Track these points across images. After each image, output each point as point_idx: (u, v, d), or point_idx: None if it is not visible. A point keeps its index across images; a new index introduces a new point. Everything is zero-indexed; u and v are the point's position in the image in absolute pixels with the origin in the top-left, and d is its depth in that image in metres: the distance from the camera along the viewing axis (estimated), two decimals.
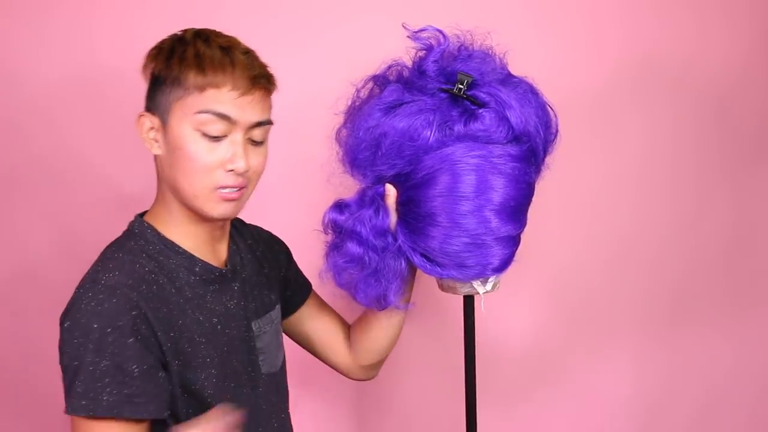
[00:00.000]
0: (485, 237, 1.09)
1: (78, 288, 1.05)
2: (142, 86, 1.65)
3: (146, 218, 1.12)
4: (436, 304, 1.70)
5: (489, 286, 1.20)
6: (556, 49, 1.72)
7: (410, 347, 1.87)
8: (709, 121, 1.82)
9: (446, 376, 1.87)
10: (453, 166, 1.07)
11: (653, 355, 1.96)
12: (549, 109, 1.15)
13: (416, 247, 1.12)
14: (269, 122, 1.08)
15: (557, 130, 1.17)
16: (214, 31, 1.08)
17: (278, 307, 1.26)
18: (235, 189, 1.05)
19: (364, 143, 1.09)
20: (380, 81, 1.13)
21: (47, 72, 1.62)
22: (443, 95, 1.07)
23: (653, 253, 1.88)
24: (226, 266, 1.15)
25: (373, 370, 1.38)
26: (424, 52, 1.10)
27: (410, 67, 1.12)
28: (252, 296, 1.19)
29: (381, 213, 1.12)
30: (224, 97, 1.02)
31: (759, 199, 1.90)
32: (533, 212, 1.16)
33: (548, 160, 1.17)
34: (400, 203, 1.12)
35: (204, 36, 1.06)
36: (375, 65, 1.13)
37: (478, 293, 1.20)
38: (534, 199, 1.16)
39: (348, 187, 1.19)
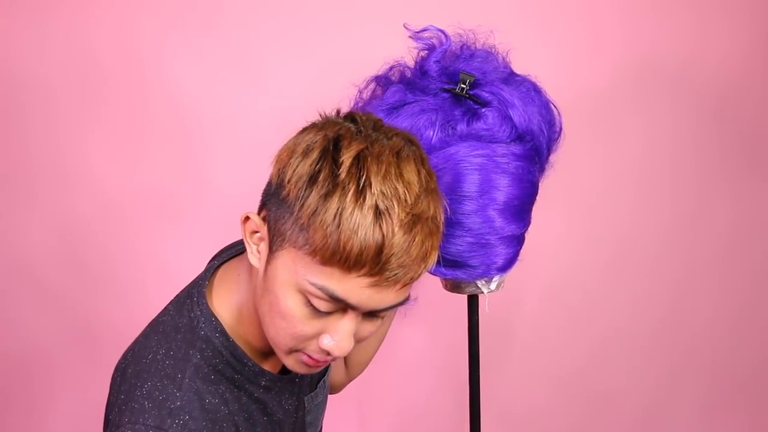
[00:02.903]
0: (489, 236, 1.08)
1: (125, 407, 0.84)
2: (141, 86, 1.65)
3: (214, 305, 0.90)
4: (439, 303, 1.70)
5: (493, 286, 1.19)
6: (556, 49, 1.71)
7: (414, 347, 1.87)
8: (708, 120, 1.82)
9: (449, 375, 1.87)
10: (456, 166, 1.06)
11: (654, 354, 1.95)
12: (552, 107, 1.15)
13: None
14: (405, 302, 0.82)
15: (561, 129, 1.16)
16: (385, 151, 0.78)
17: (330, 365, 1.13)
18: (323, 362, 0.85)
19: None
20: (382, 82, 1.12)
21: (47, 72, 1.62)
22: (446, 95, 1.07)
23: (653, 253, 1.88)
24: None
25: (348, 383, 1.32)
26: (425, 52, 1.10)
27: (412, 67, 1.12)
28: None
29: None
30: (349, 281, 0.76)
31: (759, 199, 1.89)
32: (535, 212, 1.15)
33: (552, 158, 1.16)
34: None
35: (366, 168, 0.76)
36: (377, 66, 1.12)
37: (483, 293, 1.20)
38: (537, 199, 1.15)
39: None
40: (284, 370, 0.98)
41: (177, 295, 0.95)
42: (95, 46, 1.61)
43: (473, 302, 1.29)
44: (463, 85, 1.05)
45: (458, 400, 1.81)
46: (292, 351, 0.84)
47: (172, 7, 1.60)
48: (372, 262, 0.75)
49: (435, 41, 1.09)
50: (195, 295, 0.91)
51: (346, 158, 0.76)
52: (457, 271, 1.11)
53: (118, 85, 1.63)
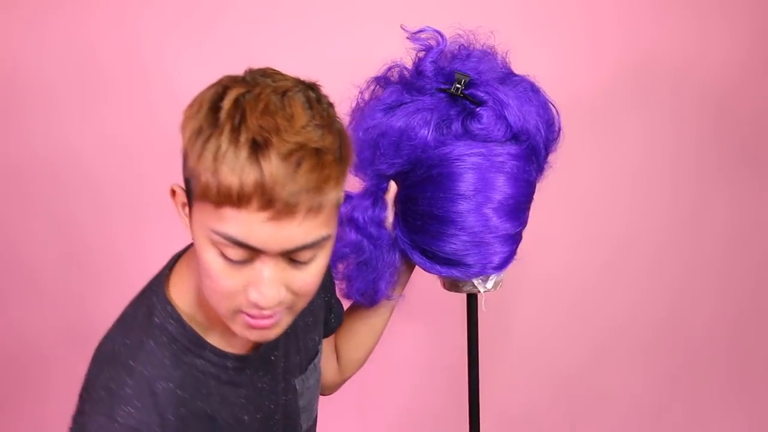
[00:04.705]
0: (485, 235, 1.08)
1: (87, 396, 0.86)
2: (142, 86, 1.65)
3: (171, 292, 0.91)
4: (438, 302, 1.70)
5: (490, 285, 1.20)
6: (556, 49, 1.71)
7: (413, 346, 1.87)
8: (708, 121, 1.82)
9: (448, 374, 1.87)
10: (451, 165, 1.06)
11: (653, 353, 1.96)
12: (551, 107, 1.15)
13: (416, 245, 1.12)
14: (321, 241, 0.79)
15: (560, 129, 1.16)
16: (266, 91, 0.78)
17: (321, 347, 1.12)
18: (265, 318, 0.82)
19: (365, 143, 1.09)
20: (382, 82, 1.13)
21: (47, 72, 1.62)
22: (442, 95, 1.07)
23: (653, 253, 1.88)
24: (260, 348, 0.96)
25: (342, 384, 1.32)
26: (423, 52, 1.10)
27: (410, 67, 1.12)
28: (297, 348, 1.03)
29: (379, 205, 1.12)
30: (245, 220, 0.74)
31: (758, 200, 1.90)
32: (534, 212, 1.16)
33: (551, 158, 1.17)
34: (400, 201, 1.13)
35: (242, 108, 0.75)
36: (378, 66, 1.13)
37: (480, 292, 1.20)
38: (535, 198, 1.15)
39: (353, 187, 1.19)
40: (254, 348, 0.97)
41: (143, 287, 0.96)
42: (95, 46, 1.61)
43: (472, 301, 1.30)
44: (458, 85, 1.05)
45: (458, 400, 1.81)
46: (233, 315, 0.83)
47: (173, 7, 1.60)
48: (257, 195, 0.73)
49: (432, 42, 1.09)
50: (155, 284, 0.92)
51: (226, 102, 0.76)
52: (452, 269, 1.11)
53: (119, 85, 1.63)
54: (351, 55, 1.52)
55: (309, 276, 0.81)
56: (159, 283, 0.92)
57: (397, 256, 1.14)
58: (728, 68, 1.79)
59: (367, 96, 1.14)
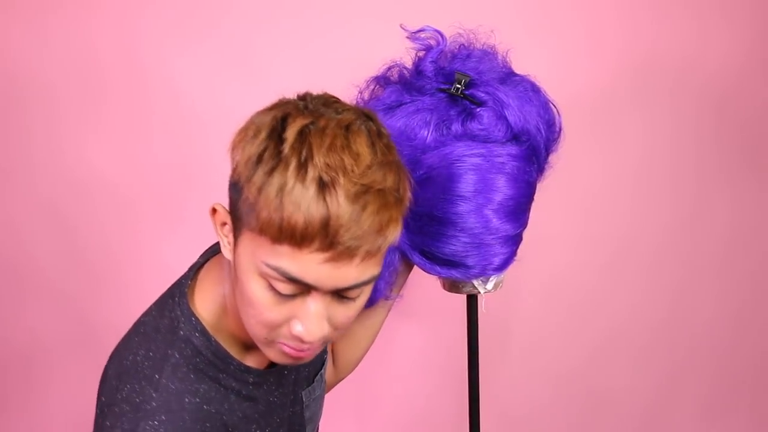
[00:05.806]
0: (485, 236, 1.08)
1: (108, 411, 0.84)
2: (142, 86, 1.65)
3: (196, 303, 0.90)
4: (438, 303, 1.70)
5: (490, 286, 1.19)
6: (556, 49, 1.71)
7: (413, 346, 1.87)
8: (708, 121, 1.82)
9: (449, 375, 1.87)
10: (451, 166, 1.06)
11: (653, 354, 1.96)
12: (552, 107, 1.14)
13: (415, 245, 1.12)
14: (372, 280, 0.79)
15: (560, 129, 1.15)
16: (331, 124, 0.76)
17: (326, 356, 1.12)
18: (304, 351, 0.83)
19: None
20: (382, 82, 1.12)
21: (47, 72, 1.62)
22: (442, 95, 1.07)
23: (653, 253, 1.88)
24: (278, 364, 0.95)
25: (336, 384, 1.31)
26: (423, 52, 1.10)
27: (410, 67, 1.12)
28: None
29: None
30: (302, 258, 0.74)
31: (758, 201, 1.90)
32: (534, 212, 1.16)
33: (552, 159, 1.16)
34: None
35: (308, 142, 0.74)
36: (378, 66, 1.12)
37: (480, 293, 1.20)
38: (535, 199, 1.15)
39: None
40: (272, 363, 0.97)
41: (161, 296, 0.95)
42: (96, 46, 1.61)
43: (472, 302, 1.30)
44: (458, 85, 1.05)
45: (458, 400, 1.81)
46: (269, 342, 0.83)
47: (174, 7, 1.60)
48: (321, 236, 0.72)
49: (432, 42, 1.09)
50: (177, 294, 0.90)
51: (290, 134, 0.74)
52: (452, 270, 1.10)
53: (119, 85, 1.63)
54: (351, 54, 1.52)
55: (351, 310, 0.82)
56: (181, 294, 0.90)
57: (396, 256, 1.14)
58: (728, 69, 1.79)
59: (366, 96, 1.13)
